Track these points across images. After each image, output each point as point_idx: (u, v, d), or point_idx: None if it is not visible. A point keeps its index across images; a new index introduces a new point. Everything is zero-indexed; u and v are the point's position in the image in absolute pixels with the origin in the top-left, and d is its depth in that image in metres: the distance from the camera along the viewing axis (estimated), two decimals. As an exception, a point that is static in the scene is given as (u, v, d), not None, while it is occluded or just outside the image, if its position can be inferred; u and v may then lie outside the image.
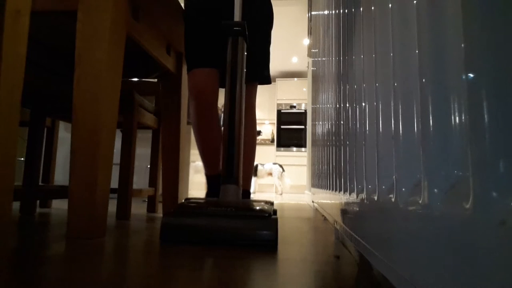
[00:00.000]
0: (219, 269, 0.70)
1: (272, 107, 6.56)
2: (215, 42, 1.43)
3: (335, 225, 1.06)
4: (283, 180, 5.13)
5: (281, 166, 5.17)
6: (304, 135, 6.12)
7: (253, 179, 5.16)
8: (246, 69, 1.27)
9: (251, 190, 1.83)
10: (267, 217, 0.99)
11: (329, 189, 1.23)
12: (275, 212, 1.08)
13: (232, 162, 1.16)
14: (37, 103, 1.59)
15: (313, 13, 2.78)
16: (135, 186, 1.68)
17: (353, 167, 0.73)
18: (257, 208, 1.05)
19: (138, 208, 2.00)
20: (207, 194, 1.59)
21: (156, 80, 2.01)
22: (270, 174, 5.16)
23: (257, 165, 5.14)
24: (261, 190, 5.60)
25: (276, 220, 0.99)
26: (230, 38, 1.24)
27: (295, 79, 6.51)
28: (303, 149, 6.19)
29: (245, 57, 1.26)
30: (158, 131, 1.89)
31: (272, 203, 1.18)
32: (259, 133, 5.82)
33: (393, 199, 0.43)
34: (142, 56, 1.44)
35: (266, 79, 1.58)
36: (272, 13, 1.59)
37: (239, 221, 0.99)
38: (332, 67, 1.26)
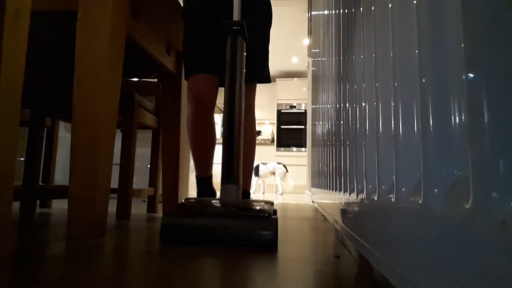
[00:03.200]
0: (219, 269, 0.70)
1: (272, 107, 6.56)
2: (214, 48, 1.43)
3: (335, 225, 1.06)
4: (286, 181, 5.11)
5: (285, 166, 5.15)
6: (304, 135, 6.12)
7: (255, 179, 5.14)
8: (245, 69, 1.27)
9: (251, 191, 1.83)
10: (267, 217, 0.99)
11: (329, 189, 1.23)
12: (275, 212, 1.08)
13: (232, 162, 1.16)
14: (37, 103, 1.59)
15: (313, 13, 2.78)
16: (135, 186, 1.68)
17: (353, 167, 0.73)
18: (257, 208, 1.06)
19: (138, 208, 2.00)
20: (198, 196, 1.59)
21: (156, 80, 2.01)
22: (274, 173, 5.14)
23: (258, 165, 5.12)
24: (258, 190, 5.59)
25: (276, 220, 0.99)
26: (229, 38, 1.24)
27: (295, 79, 6.51)
28: (303, 149, 6.19)
29: (244, 56, 1.26)
30: (158, 131, 1.89)
31: (272, 203, 1.18)
32: (259, 133, 5.81)
33: (393, 199, 0.43)
34: (142, 56, 1.44)
35: (266, 79, 1.59)
36: (271, 13, 1.59)
37: (239, 221, 0.99)
38: (332, 67, 1.26)
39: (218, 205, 1.07)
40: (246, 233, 0.97)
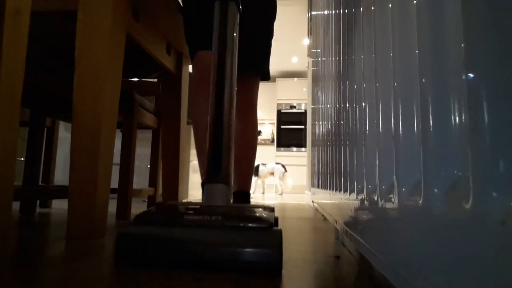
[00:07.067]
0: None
1: (272, 107, 6.56)
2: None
3: (335, 225, 1.06)
4: (285, 181, 5.11)
5: (283, 166, 5.15)
6: (304, 135, 6.12)
7: (255, 179, 5.14)
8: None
9: (251, 191, 1.77)
10: (266, 228, 0.71)
11: (329, 189, 1.23)
12: (276, 221, 0.85)
13: (219, 155, 0.89)
14: (37, 103, 1.59)
15: (313, 13, 2.78)
16: (135, 186, 1.68)
17: (353, 167, 0.73)
18: (253, 216, 0.78)
19: (138, 208, 1.99)
20: None
21: (156, 80, 2.01)
22: (273, 174, 5.15)
23: (258, 165, 5.12)
24: (259, 190, 5.59)
25: (279, 232, 0.70)
26: (217, 2, 1.01)
27: (295, 79, 6.51)
28: (303, 149, 6.18)
29: (237, 27, 1.03)
30: (158, 131, 1.89)
31: (272, 209, 0.90)
32: (259, 133, 5.80)
33: (393, 199, 0.43)
34: (142, 56, 1.44)
35: (266, 75, 1.48)
36: (275, 6, 1.52)
37: (227, 234, 0.70)
38: (332, 67, 1.26)
39: (200, 212, 0.77)
40: (236, 252, 0.68)
